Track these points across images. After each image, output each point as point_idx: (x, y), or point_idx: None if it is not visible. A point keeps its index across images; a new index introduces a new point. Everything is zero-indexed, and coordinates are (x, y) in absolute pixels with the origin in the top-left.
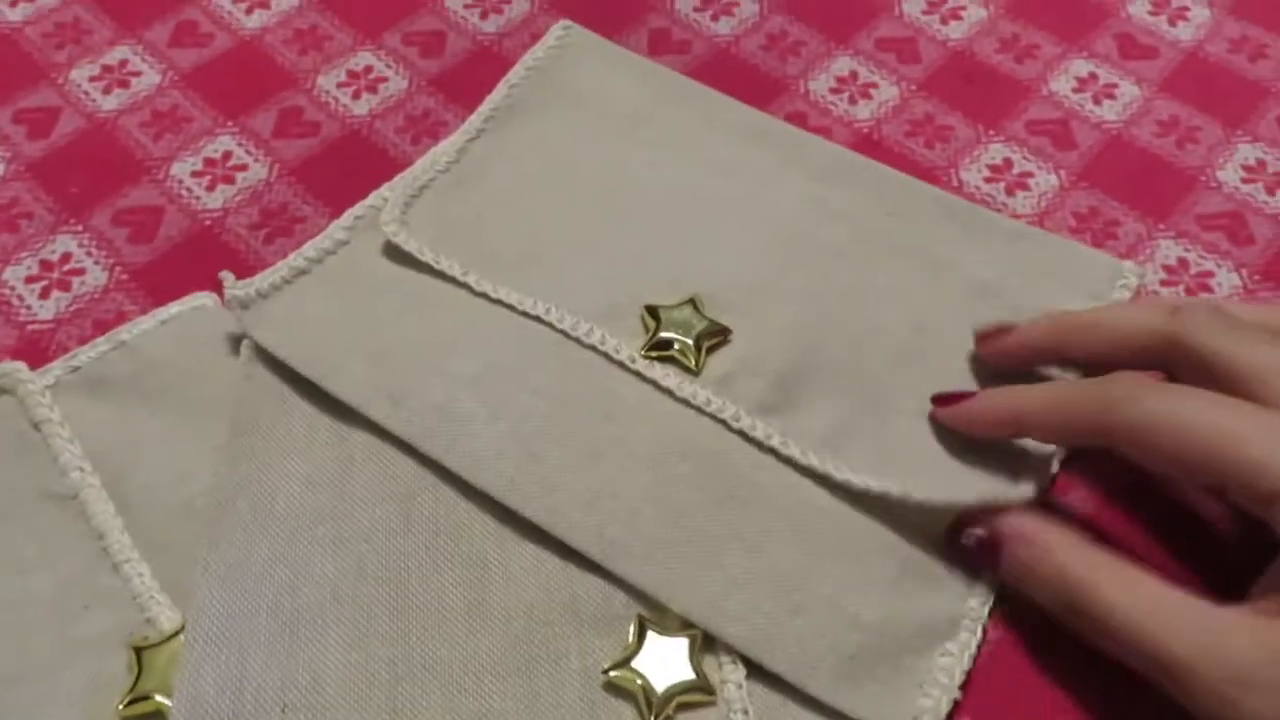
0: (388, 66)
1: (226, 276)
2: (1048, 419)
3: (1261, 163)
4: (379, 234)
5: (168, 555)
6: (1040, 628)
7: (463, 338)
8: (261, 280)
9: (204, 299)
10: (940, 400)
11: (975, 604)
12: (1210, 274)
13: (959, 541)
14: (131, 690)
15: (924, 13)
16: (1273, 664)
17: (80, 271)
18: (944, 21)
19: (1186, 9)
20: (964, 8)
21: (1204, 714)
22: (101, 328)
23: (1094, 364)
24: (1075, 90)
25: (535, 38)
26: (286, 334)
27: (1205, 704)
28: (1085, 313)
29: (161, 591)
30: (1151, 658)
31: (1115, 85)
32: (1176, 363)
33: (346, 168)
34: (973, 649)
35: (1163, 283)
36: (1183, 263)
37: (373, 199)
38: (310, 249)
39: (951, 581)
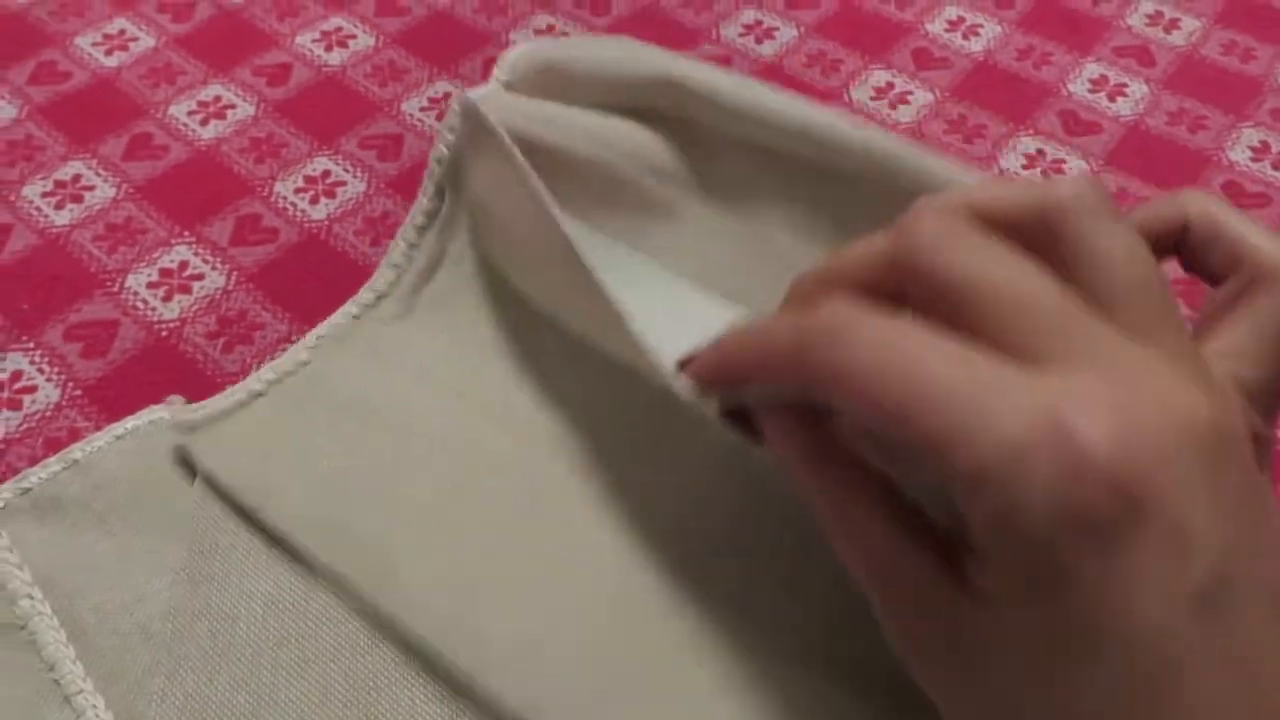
0: (345, 170)
1: (175, 400)
2: (749, 367)
3: None
4: (342, 353)
5: (123, 684)
6: None
7: (408, 470)
8: (214, 404)
9: (161, 412)
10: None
11: None
12: None
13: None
14: None
15: (872, 99)
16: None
17: (31, 389)
18: (892, 106)
19: (1125, 85)
20: (910, 93)
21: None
22: (54, 446)
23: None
24: (1024, 167)
25: None
26: (231, 460)
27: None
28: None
29: None
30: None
31: (1063, 161)
32: (914, 298)
33: (306, 272)
34: None
35: None
36: None
37: (339, 316)
38: (269, 370)
39: None
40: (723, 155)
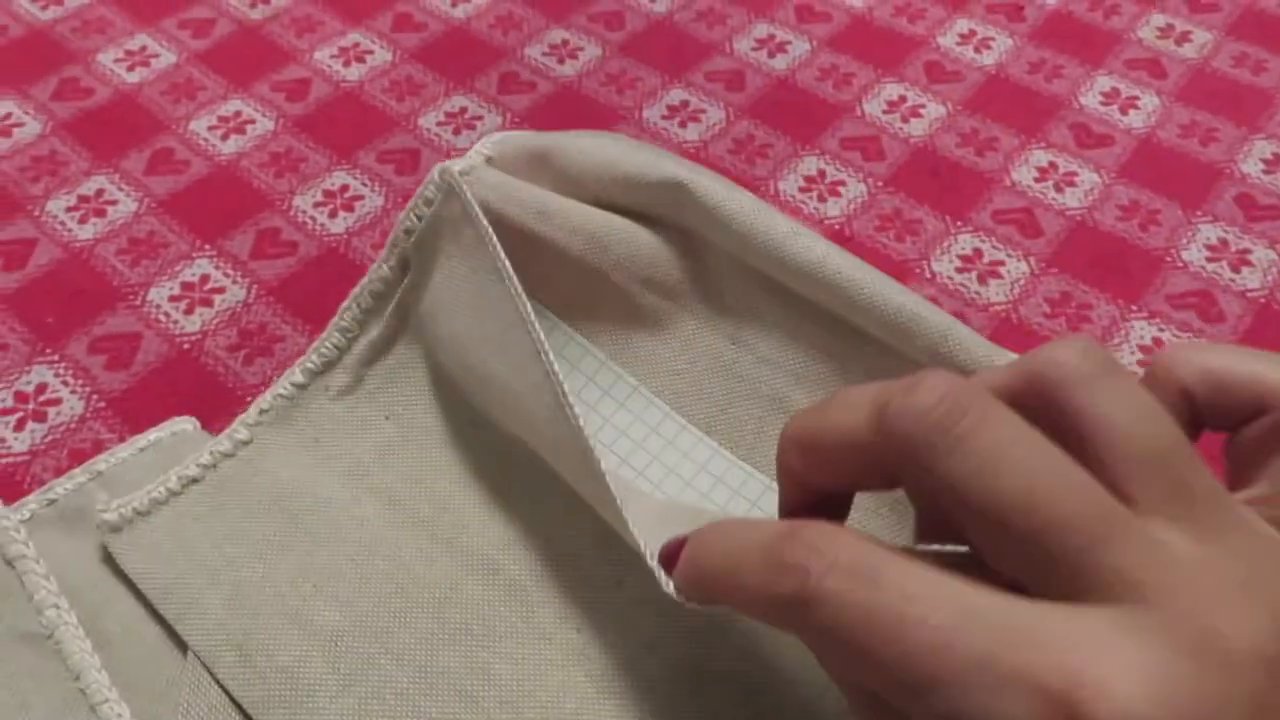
0: (363, 185)
1: (99, 497)
2: (728, 591)
3: (1224, 242)
4: (284, 430)
5: (148, 694)
6: None
7: (337, 578)
8: (144, 495)
9: (183, 423)
10: (667, 558)
11: None
12: None
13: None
14: None
15: (884, 112)
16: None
17: (56, 401)
18: (904, 120)
19: (1136, 98)
20: (923, 106)
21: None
22: (78, 458)
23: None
24: (1037, 180)
25: None
26: (153, 562)
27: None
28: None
29: None
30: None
31: (1075, 173)
32: (910, 484)
33: (325, 285)
34: None
35: (1139, 362)
36: (1158, 342)
37: (282, 385)
38: (206, 453)
39: None
40: (724, 274)
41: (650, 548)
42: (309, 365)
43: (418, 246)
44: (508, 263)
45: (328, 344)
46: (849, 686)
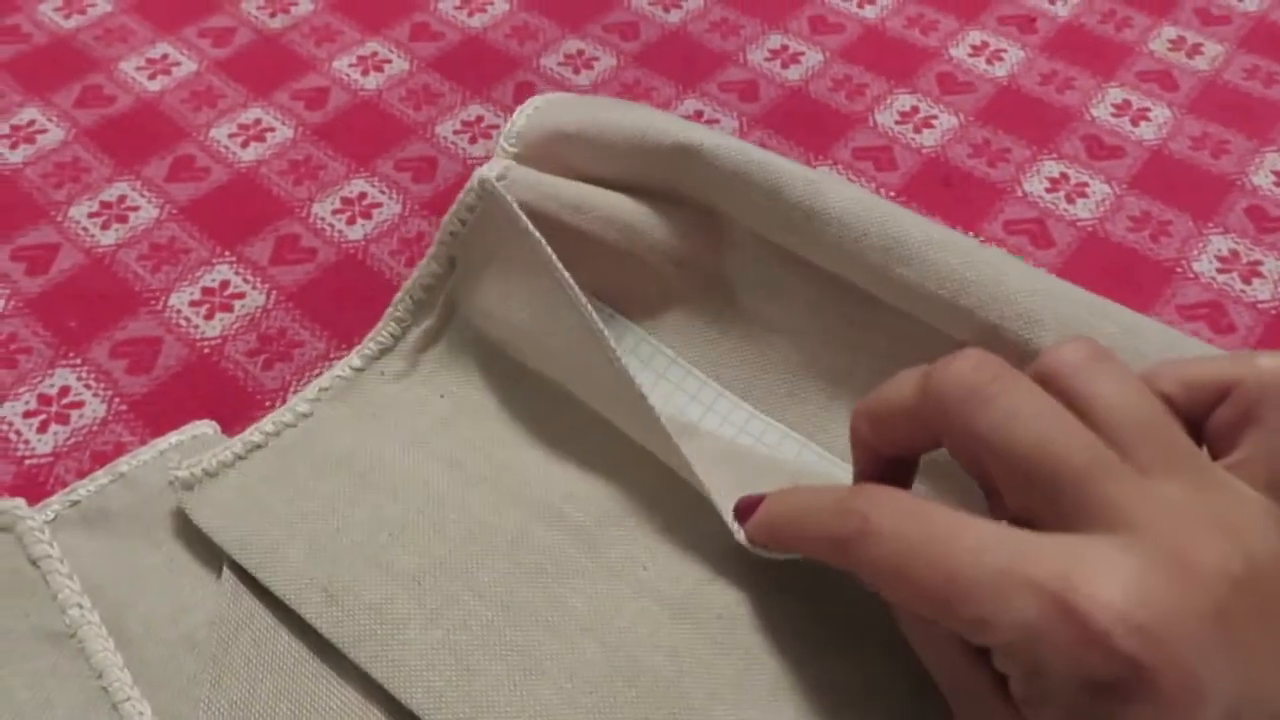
0: (381, 192)
1: (170, 457)
2: (799, 542)
3: (1235, 253)
4: (342, 409)
5: (169, 692)
6: None
7: (411, 528)
8: (211, 458)
9: (204, 427)
10: (742, 511)
11: None
12: None
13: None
14: None
15: (897, 123)
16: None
17: (79, 404)
18: (916, 130)
19: (1148, 109)
20: (935, 117)
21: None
22: (100, 460)
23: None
24: (1048, 190)
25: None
26: (228, 517)
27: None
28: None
29: None
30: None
31: (1086, 184)
32: (946, 442)
33: (343, 291)
34: None
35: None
36: None
37: (341, 368)
38: (269, 422)
39: None
40: (748, 251)
41: (719, 495)
42: (366, 352)
43: (464, 245)
44: (552, 253)
45: (384, 333)
46: (899, 611)
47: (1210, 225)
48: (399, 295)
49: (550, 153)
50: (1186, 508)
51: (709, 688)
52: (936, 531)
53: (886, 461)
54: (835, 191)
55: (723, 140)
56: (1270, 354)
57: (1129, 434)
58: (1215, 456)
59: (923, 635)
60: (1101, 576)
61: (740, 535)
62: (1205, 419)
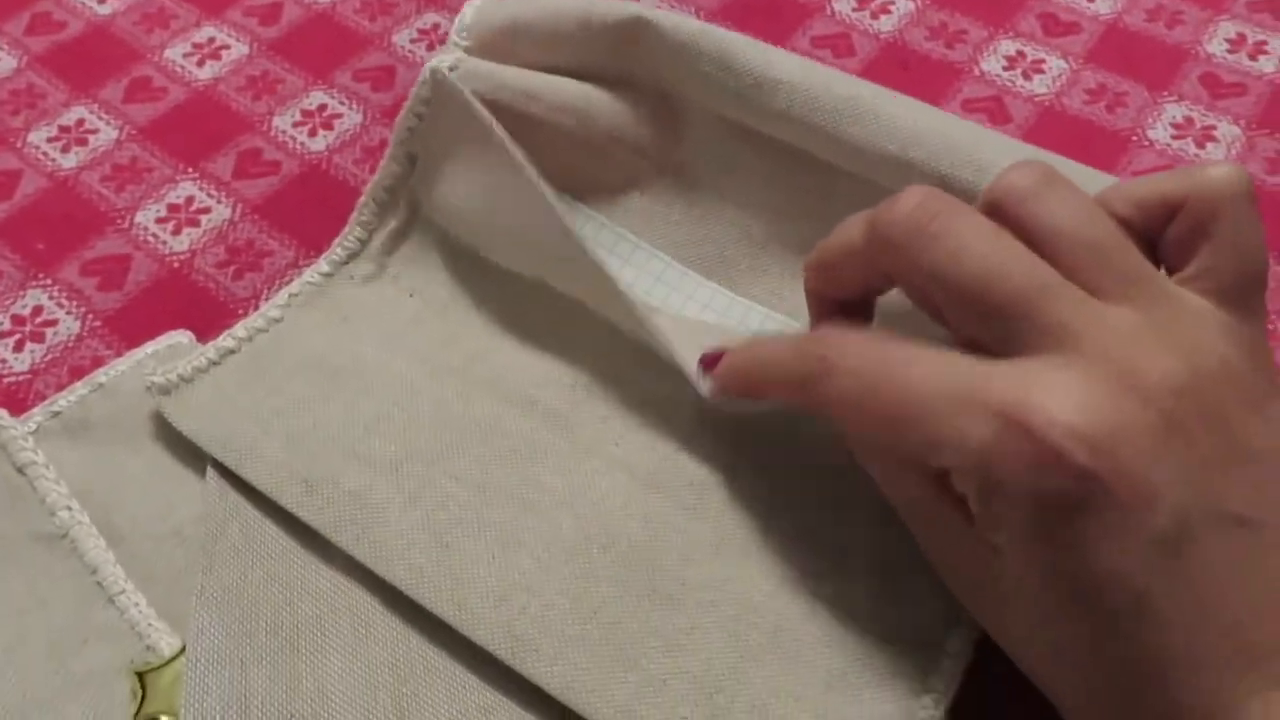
0: (341, 103)
1: (147, 365)
2: (763, 386)
3: (1189, 119)
4: (314, 311)
5: (162, 584)
6: None
7: (386, 419)
8: (186, 364)
9: (179, 336)
10: (706, 364)
11: (928, 704)
12: None
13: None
14: (137, 714)
15: (854, 10)
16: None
17: (53, 323)
18: (874, 16)
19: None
20: (892, 2)
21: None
22: (78, 374)
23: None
24: (1005, 69)
25: None
26: (206, 419)
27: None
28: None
29: (159, 619)
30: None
31: (1042, 60)
32: (896, 278)
33: (309, 201)
34: None
35: None
36: None
37: (310, 274)
38: (241, 328)
39: (900, 680)
40: (703, 129)
41: (682, 353)
42: (334, 257)
43: (421, 140)
44: (507, 135)
45: (350, 237)
46: (861, 448)
47: (1165, 94)
48: (363, 198)
49: (501, 45)
50: (1136, 326)
51: (682, 550)
52: (893, 362)
53: (841, 308)
54: (783, 59)
55: (669, 15)
56: (1218, 164)
57: (1079, 257)
58: (1171, 272)
59: (885, 468)
60: (1053, 395)
61: (704, 388)
62: (1160, 236)
